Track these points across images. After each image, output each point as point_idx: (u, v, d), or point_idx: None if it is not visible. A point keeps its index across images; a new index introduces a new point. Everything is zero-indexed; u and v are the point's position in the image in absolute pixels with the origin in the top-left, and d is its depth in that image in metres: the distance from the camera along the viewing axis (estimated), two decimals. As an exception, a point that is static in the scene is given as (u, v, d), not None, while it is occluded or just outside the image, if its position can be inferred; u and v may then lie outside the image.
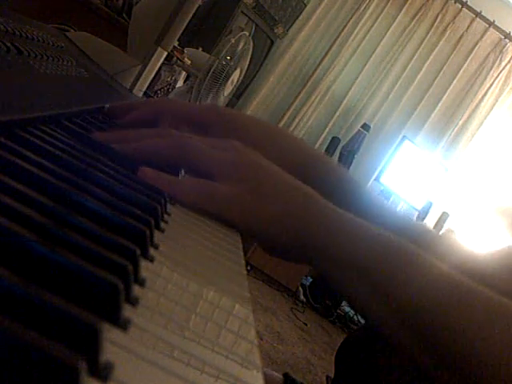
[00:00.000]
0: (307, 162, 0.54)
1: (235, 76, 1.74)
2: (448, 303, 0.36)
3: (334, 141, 3.44)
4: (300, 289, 3.18)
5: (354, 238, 0.39)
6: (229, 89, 1.77)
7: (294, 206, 0.39)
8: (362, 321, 3.11)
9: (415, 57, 3.62)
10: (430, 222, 3.42)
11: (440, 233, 3.34)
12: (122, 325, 0.19)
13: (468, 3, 3.56)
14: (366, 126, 3.38)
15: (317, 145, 3.68)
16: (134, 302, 0.21)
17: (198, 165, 0.41)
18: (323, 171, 0.55)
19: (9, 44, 0.42)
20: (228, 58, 1.65)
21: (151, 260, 0.27)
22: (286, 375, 0.79)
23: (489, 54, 3.62)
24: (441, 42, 3.61)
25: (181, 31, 0.87)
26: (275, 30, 3.31)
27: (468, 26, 3.60)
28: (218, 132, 0.51)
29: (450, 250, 0.55)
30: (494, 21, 3.56)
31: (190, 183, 0.40)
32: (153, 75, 0.88)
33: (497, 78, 3.61)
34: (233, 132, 0.50)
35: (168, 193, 0.37)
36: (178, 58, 1.89)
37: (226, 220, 0.39)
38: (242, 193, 0.39)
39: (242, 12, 2.94)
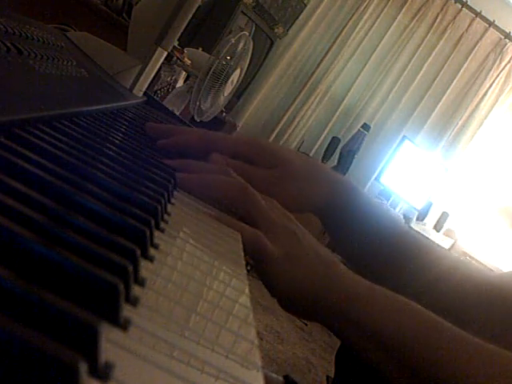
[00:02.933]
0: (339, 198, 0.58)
1: (235, 76, 1.74)
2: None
3: (334, 141, 3.44)
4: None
5: (377, 307, 0.42)
6: (229, 89, 1.77)
7: (317, 271, 0.43)
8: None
9: (415, 57, 3.62)
10: (429, 222, 3.42)
11: (441, 232, 3.35)
12: (122, 325, 0.19)
13: (468, 3, 3.56)
14: (365, 126, 3.38)
15: (317, 145, 3.68)
16: (134, 301, 0.21)
17: (252, 215, 0.44)
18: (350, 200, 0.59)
19: (9, 44, 0.42)
20: (228, 57, 1.65)
21: (151, 260, 0.27)
22: (286, 377, 0.79)
23: (489, 54, 3.62)
24: (441, 42, 3.60)
25: (181, 31, 0.87)
26: (275, 30, 3.31)
27: (468, 26, 3.60)
28: (260, 166, 0.54)
29: (440, 259, 0.57)
30: (494, 21, 3.56)
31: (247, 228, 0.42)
32: (153, 75, 0.88)
33: (497, 77, 3.61)
34: (275, 167, 0.54)
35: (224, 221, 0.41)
36: (178, 58, 1.89)
37: (262, 273, 0.43)
38: (282, 256, 0.42)
39: (242, 12, 2.94)
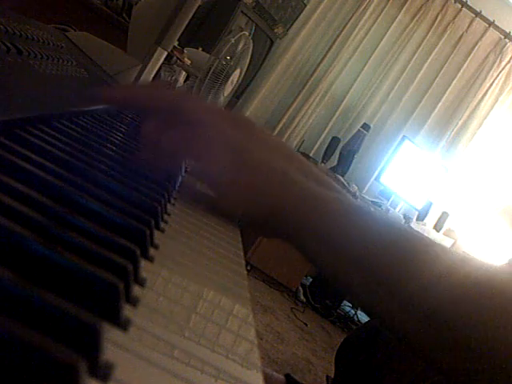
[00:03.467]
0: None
1: (235, 76, 1.74)
2: (459, 296, 0.37)
3: (334, 141, 3.44)
4: (300, 289, 3.18)
5: (344, 220, 0.40)
6: (229, 89, 1.77)
7: (273, 181, 0.40)
8: (362, 321, 3.11)
9: (415, 57, 3.62)
10: (429, 222, 3.42)
11: (440, 232, 3.35)
12: (122, 325, 0.19)
13: (468, 3, 3.56)
14: (365, 126, 3.38)
15: (317, 145, 3.68)
16: (134, 301, 0.21)
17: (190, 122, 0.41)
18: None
19: (9, 44, 0.42)
20: (228, 57, 1.65)
21: (151, 260, 0.27)
22: (287, 376, 0.79)
23: (489, 54, 3.62)
24: (441, 42, 3.60)
25: (181, 31, 0.87)
26: (275, 30, 3.31)
27: (468, 26, 3.60)
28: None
29: (440, 257, 0.57)
30: (493, 21, 3.56)
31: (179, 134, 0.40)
32: (153, 75, 0.88)
33: (497, 77, 3.61)
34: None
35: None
36: (178, 58, 1.89)
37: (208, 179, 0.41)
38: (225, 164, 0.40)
39: (242, 12, 2.94)
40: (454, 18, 3.59)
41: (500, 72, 3.60)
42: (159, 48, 0.85)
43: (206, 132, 0.41)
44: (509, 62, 3.60)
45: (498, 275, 0.40)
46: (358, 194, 3.22)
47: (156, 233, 0.30)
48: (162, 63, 0.90)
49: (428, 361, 0.40)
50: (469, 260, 0.41)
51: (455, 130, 3.65)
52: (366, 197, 3.33)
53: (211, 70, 1.63)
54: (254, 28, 3.07)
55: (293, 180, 0.41)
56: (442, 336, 0.37)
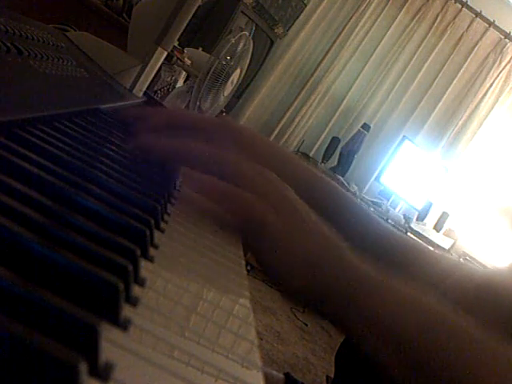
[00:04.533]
0: (304, 184, 0.55)
1: (235, 76, 1.74)
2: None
3: (334, 141, 3.44)
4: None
5: (382, 297, 0.40)
6: (229, 89, 1.77)
7: (317, 245, 0.40)
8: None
9: (415, 57, 3.62)
10: (429, 222, 3.42)
11: (441, 232, 3.34)
12: (122, 325, 0.19)
13: (468, 3, 3.56)
14: (365, 126, 3.38)
15: (317, 145, 3.68)
16: (134, 301, 0.21)
17: (233, 179, 0.41)
18: (322, 192, 0.56)
19: (9, 44, 0.42)
20: (228, 57, 1.65)
21: (151, 260, 0.27)
22: (287, 375, 0.79)
23: (489, 54, 3.62)
24: (441, 42, 3.60)
25: (181, 31, 0.87)
26: (275, 30, 3.31)
27: (468, 26, 3.60)
28: (223, 144, 0.51)
29: (430, 263, 0.57)
30: (493, 21, 3.56)
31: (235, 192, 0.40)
32: (153, 75, 0.88)
33: (497, 77, 3.61)
34: (239, 147, 0.51)
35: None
36: (178, 58, 1.89)
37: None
38: (280, 226, 0.39)
39: (242, 12, 2.94)
40: (454, 18, 3.59)
41: (500, 72, 3.60)
42: (159, 48, 0.85)
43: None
44: (509, 62, 3.60)
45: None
46: (357, 194, 3.22)
47: (156, 233, 0.30)
48: (162, 63, 0.90)
49: None
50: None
51: (455, 130, 3.65)
52: (366, 197, 3.33)
53: (211, 70, 1.62)
54: (254, 28, 3.06)
55: (344, 258, 0.41)
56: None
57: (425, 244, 0.59)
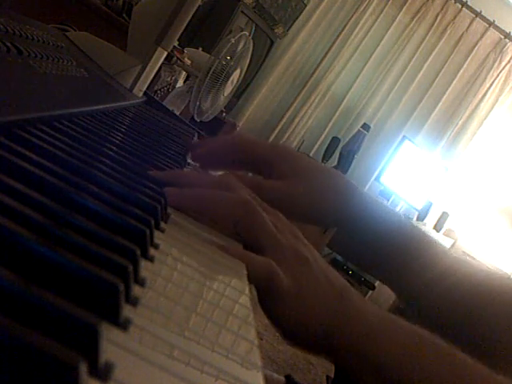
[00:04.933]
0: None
1: (235, 76, 1.74)
2: None
3: (334, 141, 3.44)
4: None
5: (391, 346, 0.40)
6: (229, 89, 1.77)
7: (328, 306, 0.40)
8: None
9: (415, 57, 3.62)
10: (429, 222, 3.42)
11: (441, 232, 3.34)
12: (122, 325, 0.19)
13: (468, 3, 3.56)
14: (365, 126, 3.38)
15: (317, 145, 3.68)
16: (134, 301, 0.21)
17: (257, 237, 0.39)
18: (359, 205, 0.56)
19: (9, 44, 0.42)
20: (228, 57, 1.65)
21: (151, 260, 0.27)
22: (287, 377, 0.79)
23: (489, 54, 3.62)
24: (441, 42, 3.60)
25: (181, 31, 0.87)
26: (275, 30, 3.31)
27: (468, 26, 3.60)
28: (279, 174, 0.52)
29: (440, 256, 0.56)
30: (494, 21, 3.56)
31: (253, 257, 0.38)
32: (153, 75, 0.88)
33: (497, 77, 3.61)
34: (292, 175, 0.52)
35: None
36: (178, 58, 1.89)
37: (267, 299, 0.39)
38: (293, 289, 0.39)
39: (242, 12, 2.94)
40: (454, 18, 3.59)
41: (500, 72, 3.61)
42: (159, 48, 0.85)
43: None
44: (509, 62, 3.60)
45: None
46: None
47: (156, 233, 0.30)
48: (162, 63, 0.90)
49: None
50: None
51: (455, 130, 3.65)
52: (366, 197, 3.33)
53: (211, 70, 1.63)
54: (254, 28, 3.07)
55: (349, 303, 0.41)
56: None
57: (429, 235, 0.58)
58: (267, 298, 0.38)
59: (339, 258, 2.95)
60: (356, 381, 0.41)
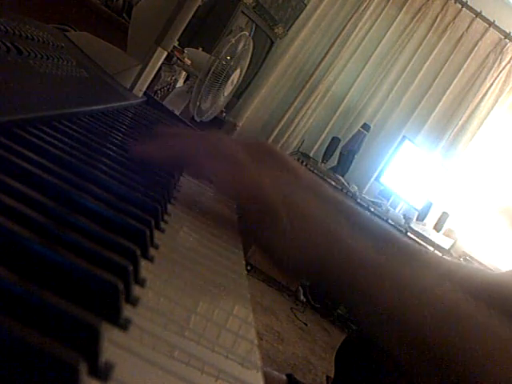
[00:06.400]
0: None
1: (235, 76, 1.74)
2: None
3: (334, 141, 3.44)
4: (300, 289, 3.17)
5: (384, 277, 0.40)
6: (229, 89, 1.77)
7: (321, 229, 0.40)
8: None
9: (415, 57, 3.62)
10: (429, 222, 3.42)
11: (441, 232, 3.34)
12: (122, 325, 0.19)
13: (468, 3, 3.56)
14: (365, 126, 3.38)
15: (317, 145, 3.68)
16: (134, 301, 0.21)
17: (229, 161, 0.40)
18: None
19: (9, 44, 0.42)
20: (228, 57, 1.65)
21: (151, 260, 0.27)
22: (289, 376, 0.79)
23: (489, 54, 3.62)
24: (441, 42, 3.60)
25: (181, 31, 0.87)
26: (275, 30, 3.31)
27: (468, 26, 3.60)
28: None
29: (429, 264, 0.56)
30: (494, 21, 3.56)
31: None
32: (153, 75, 0.88)
33: (497, 78, 3.61)
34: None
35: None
36: (178, 58, 1.89)
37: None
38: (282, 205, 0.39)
39: (242, 12, 2.94)
40: (454, 19, 3.59)
41: (500, 72, 3.60)
42: (159, 48, 0.85)
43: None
44: (509, 62, 3.60)
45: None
46: (357, 194, 3.22)
47: (156, 233, 0.30)
48: (162, 63, 0.90)
49: None
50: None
51: (455, 130, 3.65)
52: (366, 197, 3.33)
53: (211, 70, 1.62)
54: (254, 28, 3.07)
55: (335, 232, 0.41)
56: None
57: (425, 245, 0.58)
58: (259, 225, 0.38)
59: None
60: (349, 313, 0.41)
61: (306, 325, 2.83)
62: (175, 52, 1.85)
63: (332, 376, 0.72)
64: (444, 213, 3.41)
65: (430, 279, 0.41)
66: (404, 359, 0.39)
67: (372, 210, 3.07)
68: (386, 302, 0.39)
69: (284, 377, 0.79)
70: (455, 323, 0.37)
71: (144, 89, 0.87)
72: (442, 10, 3.60)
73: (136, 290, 0.22)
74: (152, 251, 0.28)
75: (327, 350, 2.64)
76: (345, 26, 3.62)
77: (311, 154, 3.62)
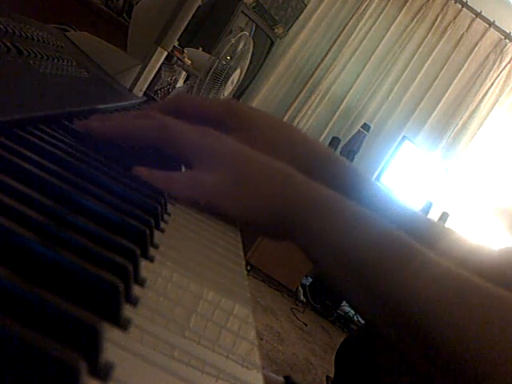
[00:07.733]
0: (319, 163, 0.53)
1: (235, 76, 1.74)
2: (447, 302, 0.36)
3: (334, 141, 3.44)
4: (300, 289, 3.18)
5: (343, 224, 0.39)
6: (229, 89, 1.77)
7: (274, 188, 0.40)
8: (362, 321, 3.10)
9: (415, 57, 3.62)
10: (429, 222, 3.42)
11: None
12: (122, 325, 0.19)
13: (468, 3, 3.56)
14: (365, 126, 3.38)
15: (317, 145, 3.68)
16: (134, 301, 0.21)
17: (176, 147, 0.41)
18: (333, 170, 0.54)
19: (9, 44, 0.42)
20: (228, 57, 1.65)
21: (151, 260, 0.27)
22: (287, 378, 0.79)
23: (489, 54, 3.62)
24: (441, 42, 3.60)
25: (181, 31, 0.87)
26: (275, 30, 3.31)
27: (468, 26, 3.60)
28: (228, 128, 0.49)
29: (454, 245, 0.55)
30: (494, 21, 3.56)
31: (177, 176, 0.40)
32: (153, 75, 0.88)
33: (497, 78, 3.61)
34: (243, 129, 0.50)
35: (160, 188, 0.37)
36: (178, 58, 1.89)
37: (215, 209, 0.40)
38: (224, 180, 0.39)
39: (242, 12, 2.94)
40: (455, 19, 3.59)
41: (500, 72, 3.61)
42: (159, 48, 0.85)
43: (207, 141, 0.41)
44: (509, 62, 3.60)
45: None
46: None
47: (156, 233, 0.30)
48: (162, 63, 0.90)
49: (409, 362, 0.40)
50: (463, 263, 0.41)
51: (455, 130, 3.65)
52: (366, 197, 3.33)
53: (211, 70, 1.63)
54: (254, 28, 3.06)
55: (295, 184, 0.40)
56: (426, 343, 0.36)
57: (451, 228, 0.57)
58: (213, 203, 0.39)
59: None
60: (318, 264, 0.40)
61: (306, 325, 2.83)
62: (175, 52, 1.85)
63: (332, 376, 0.72)
64: (444, 213, 3.41)
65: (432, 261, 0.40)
66: (389, 337, 0.38)
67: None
68: (348, 255, 0.38)
69: (282, 379, 0.79)
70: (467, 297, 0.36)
71: (144, 89, 0.88)
72: (442, 10, 3.60)
73: (136, 289, 0.22)
74: (152, 251, 0.28)
75: (327, 350, 2.64)
76: (345, 26, 3.62)
77: (311, 154, 3.61)
